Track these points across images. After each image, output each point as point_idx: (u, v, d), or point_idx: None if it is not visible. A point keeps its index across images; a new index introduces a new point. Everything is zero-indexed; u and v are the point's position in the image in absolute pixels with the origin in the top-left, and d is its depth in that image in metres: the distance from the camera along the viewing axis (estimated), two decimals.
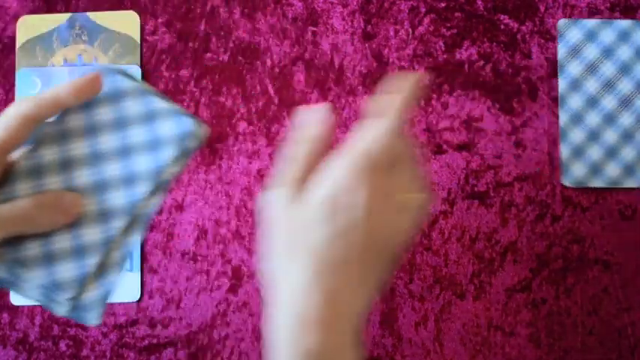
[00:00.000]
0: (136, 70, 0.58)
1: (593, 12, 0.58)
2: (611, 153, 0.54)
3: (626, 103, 0.55)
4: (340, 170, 0.37)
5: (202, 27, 0.59)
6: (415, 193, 0.39)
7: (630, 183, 0.55)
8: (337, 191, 0.37)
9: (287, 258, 0.38)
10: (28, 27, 0.59)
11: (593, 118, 0.55)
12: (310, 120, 0.41)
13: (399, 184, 0.38)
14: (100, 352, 0.55)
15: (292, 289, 0.37)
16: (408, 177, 0.39)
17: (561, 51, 0.56)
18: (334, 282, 0.37)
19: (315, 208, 0.37)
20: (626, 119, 0.54)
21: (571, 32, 0.56)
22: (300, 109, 0.42)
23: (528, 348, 0.54)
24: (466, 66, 0.57)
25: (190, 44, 0.59)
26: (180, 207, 0.57)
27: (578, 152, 0.55)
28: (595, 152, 0.54)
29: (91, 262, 0.38)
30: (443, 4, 0.58)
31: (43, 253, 0.38)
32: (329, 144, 0.40)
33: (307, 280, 0.36)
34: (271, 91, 0.58)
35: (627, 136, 0.55)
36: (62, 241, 0.38)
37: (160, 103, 0.41)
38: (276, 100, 0.58)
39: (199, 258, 0.56)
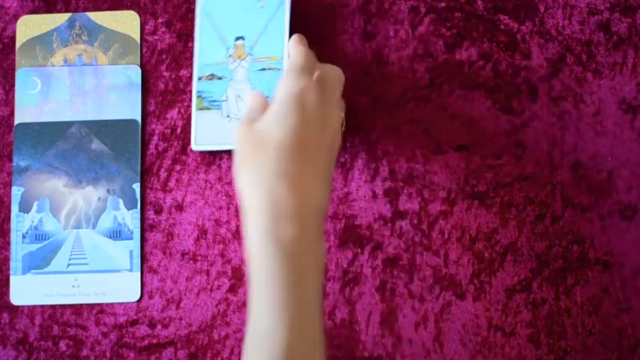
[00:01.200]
0: (136, 70, 0.58)
1: (593, 12, 0.58)
2: None
3: None
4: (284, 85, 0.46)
5: None
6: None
7: None
8: (289, 96, 0.45)
9: (254, 162, 0.44)
10: (28, 27, 0.59)
11: None
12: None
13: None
14: (100, 352, 0.56)
15: (262, 188, 0.43)
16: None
17: None
18: (298, 171, 0.43)
19: (274, 110, 0.45)
20: None
21: None
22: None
23: (528, 348, 0.54)
24: (466, 66, 0.57)
25: (190, 44, 0.59)
26: (180, 207, 0.57)
27: None
28: None
29: None
30: (443, 4, 0.58)
31: None
32: None
33: (274, 172, 0.43)
34: None
35: None
36: None
37: None
38: None
39: (199, 258, 0.56)
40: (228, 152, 0.57)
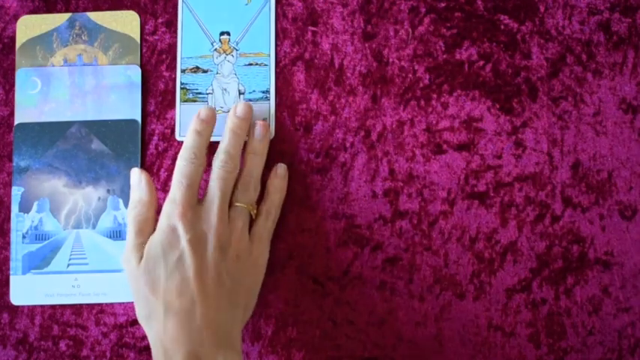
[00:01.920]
0: (136, 70, 0.58)
1: (593, 12, 0.58)
2: None
3: None
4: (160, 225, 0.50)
5: None
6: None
7: None
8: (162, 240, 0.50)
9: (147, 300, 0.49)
10: (28, 27, 0.59)
11: None
12: (135, 184, 0.53)
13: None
14: (100, 352, 0.55)
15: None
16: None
17: None
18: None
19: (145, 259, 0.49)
20: None
21: None
22: (133, 170, 0.54)
23: (528, 348, 0.54)
24: (466, 66, 0.57)
25: None
26: None
27: None
28: None
29: None
30: (443, 4, 0.58)
31: None
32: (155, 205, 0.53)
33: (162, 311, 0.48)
34: None
35: None
36: None
37: None
38: (276, 100, 0.58)
39: None
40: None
